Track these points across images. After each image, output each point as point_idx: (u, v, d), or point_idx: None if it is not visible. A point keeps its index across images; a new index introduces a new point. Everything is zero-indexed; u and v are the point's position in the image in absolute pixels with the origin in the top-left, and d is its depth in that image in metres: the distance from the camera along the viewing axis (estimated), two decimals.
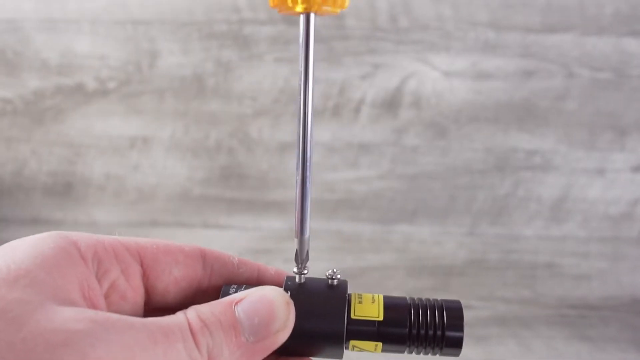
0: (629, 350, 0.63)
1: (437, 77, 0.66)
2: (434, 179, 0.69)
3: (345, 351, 0.23)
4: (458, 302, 0.23)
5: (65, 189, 0.72)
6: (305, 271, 0.23)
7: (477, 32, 0.64)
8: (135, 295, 0.22)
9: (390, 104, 0.67)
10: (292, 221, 0.75)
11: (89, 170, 0.71)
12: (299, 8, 0.19)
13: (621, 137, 0.67)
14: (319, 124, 0.67)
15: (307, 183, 0.22)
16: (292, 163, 0.69)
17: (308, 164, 0.22)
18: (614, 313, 0.69)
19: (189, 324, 0.19)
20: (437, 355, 0.23)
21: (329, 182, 0.70)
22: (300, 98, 0.21)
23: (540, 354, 0.62)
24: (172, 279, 0.23)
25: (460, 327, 0.22)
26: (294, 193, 0.22)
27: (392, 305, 0.23)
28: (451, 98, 0.66)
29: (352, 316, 0.22)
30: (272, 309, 0.20)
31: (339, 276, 0.23)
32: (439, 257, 0.72)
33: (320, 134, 0.68)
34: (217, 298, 0.21)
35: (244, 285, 0.23)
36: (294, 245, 0.23)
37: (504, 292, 0.70)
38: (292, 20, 0.64)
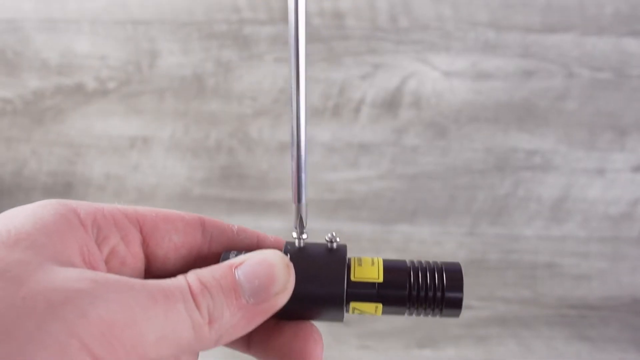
0: (629, 350, 0.63)
1: (437, 77, 0.66)
2: (434, 179, 0.69)
3: (346, 315, 0.23)
4: (457, 264, 0.23)
5: (65, 189, 0.72)
6: (304, 236, 0.23)
7: (477, 32, 0.64)
8: (136, 261, 0.22)
9: (390, 104, 0.67)
10: (292, 221, 0.75)
11: (89, 170, 0.71)
12: None
13: (621, 137, 0.67)
14: (319, 124, 0.67)
15: (302, 150, 0.22)
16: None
17: (302, 130, 0.21)
18: (614, 313, 0.69)
19: (189, 286, 0.19)
20: (437, 317, 0.23)
21: (329, 182, 0.70)
22: (292, 70, 0.20)
23: (540, 354, 0.62)
24: (171, 246, 0.23)
25: (459, 288, 0.23)
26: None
27: (391, 268, 0.23)
28: (451, 98, 0.66)
29: (352, 278, 0.22)
30: (272, 272, 0.20)
31: (338, 239, 0.23)
32: (439, 257, 0.71)
33: (320, 134, 0.68)
34: None
35: (244, 251, 0.23)
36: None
37: (504, 292, 0.70)
38: None
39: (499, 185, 0.69)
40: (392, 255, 0.72)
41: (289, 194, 0.70)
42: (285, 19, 0.64)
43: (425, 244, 0.71)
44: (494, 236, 0.71)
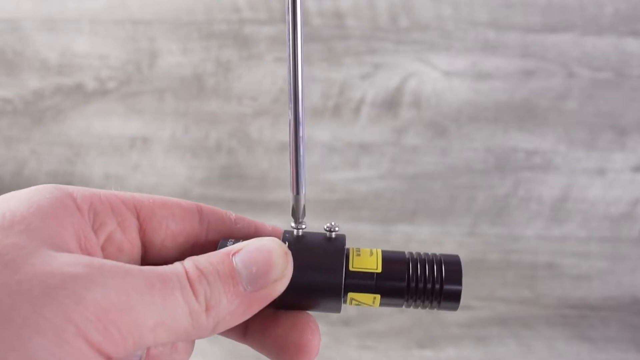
0: (629, 350, 0.63)
1: (437, 77, 0.66)
2: (434, 179, 0.69)
3: (344, 306, 0.23)
4: (456, 257, 0.23)
5: None
6: (303, 226, 0.23)
7: (477, 32, 0.64)
8: (132, 248, 0.22)
9: (391, 103, 0.67)
10: (292, 222, 0.75)
11: (89, 170, 0.71)
12: None
13: (621, 137, 0.67)
14: (319, 124, 0.67)
15: (301, 141, 0.22)
16: None
17: (301, 121, 0.21)
18: (614, 313, 0.69)
19: (186, 273, 0.18)
20: (435, 310, 0.23)
21: (329, 182, 0.70)
22: (289, 53, 0.20)
23: (540, 354, 0.62)
24: (169, 233, 0.22)
25: (458, 281, 0.22)
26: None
27: (390, 259, 0.23)
28: (451, 98, 0.66)
29: (351, 268, 0.22)
30: (270, 258, 0.20)
31: (337, 229, 0.23)
32: None
33: (320, 134, 0.68)
34: None
35: (241, 240, 0.22)
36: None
37: (504, 292, 0.70)
38: None
39: (499, 185, 0.69)
40: None
41: (289, 194, 0.70)
42: (285, 19, 0.64)
43: (425, 244, 0.71)
44: (494, 236, 0.71)
